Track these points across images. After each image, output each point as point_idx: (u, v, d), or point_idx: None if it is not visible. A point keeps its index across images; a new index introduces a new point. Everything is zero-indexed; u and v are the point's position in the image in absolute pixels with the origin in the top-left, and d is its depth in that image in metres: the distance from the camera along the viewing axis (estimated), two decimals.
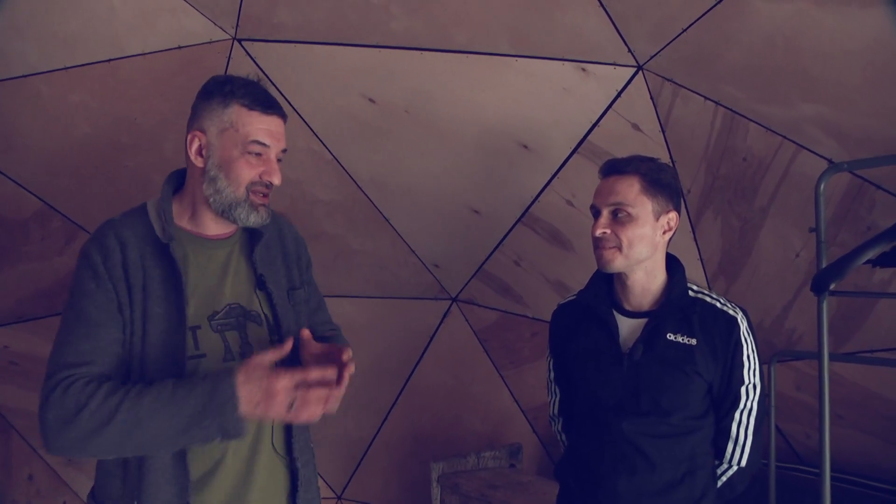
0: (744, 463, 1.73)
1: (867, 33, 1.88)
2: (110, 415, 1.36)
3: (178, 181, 1.64)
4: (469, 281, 3.19)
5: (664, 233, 1.74)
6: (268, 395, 1.39)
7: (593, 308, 1.80)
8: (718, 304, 1.74)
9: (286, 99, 2.71)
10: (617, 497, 1.70)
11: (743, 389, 1.70)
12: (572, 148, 2.55)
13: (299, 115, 2.73)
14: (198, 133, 1.56)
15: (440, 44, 2.39)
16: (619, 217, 1.70)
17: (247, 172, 1.53)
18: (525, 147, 2.60)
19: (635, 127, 2.43)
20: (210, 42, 2.61)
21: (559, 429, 2.02)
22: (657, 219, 1.71)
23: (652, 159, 1.78)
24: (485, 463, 3.05)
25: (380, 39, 2.42)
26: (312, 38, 2.50)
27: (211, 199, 1.55)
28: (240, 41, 2.59)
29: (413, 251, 3.08)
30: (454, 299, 3.31)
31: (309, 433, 1.70)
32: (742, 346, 1.70)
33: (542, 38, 2.30)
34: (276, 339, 1.60)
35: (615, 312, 1.77)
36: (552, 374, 1.98)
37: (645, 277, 1.75)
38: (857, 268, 1.91)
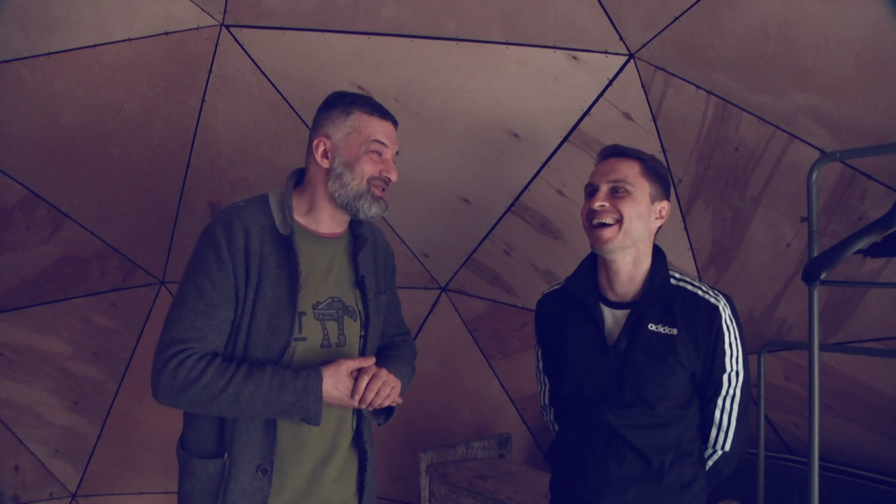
0: (728, 448, 1.75)
1: (860, 23, 1.87)
2: (215, 395, 1.60)
3: (298, 179, 1.85)
4: (458, 270, 3.17)
5: (656, 219, 1.77)
6: (346, 397, 1.68)
7: (580, 299, 1.80)
8: (700, 293, 1.74)
9: (274, 85, 2.68)
10: (608, 482, 1.73)
11: (725, 377, 1.71)
12: (563, 137, 2.53)
13: (288, 103, 2.70)
14: (322, 139, 1.78)
15: (430, 31, 2.37)
16: (619, 193, 1.72)
17: (369, 167, 1.75)
18: (515, 136, 2.58)
19: (626, 116, 2.42)
20: (197, 28, 2.58)
21: (551, 419, 2.02)
22: (653, 203, 1.74)
23: (649, 154, 1.84)
24: (474, 453, 3.04)
25: (369, 27, 2.39)
26: (301, 24, 2.47)
27: (337, 194, 1.76)
28: (227, 27, 2.56)
29: (402, 240, 3.06)
30: (443, 289, 3.29)
31: (370, 423, 1.92)
32: (724, 334, 1.70)
33: (533, 25, 2.28)
34: (363, 333, 1.81)
35: (601, 304, 1.78)
36: (540, 364, 1.98)
37: (632, 264, 1.76)
38: (847, 258, 1.91)
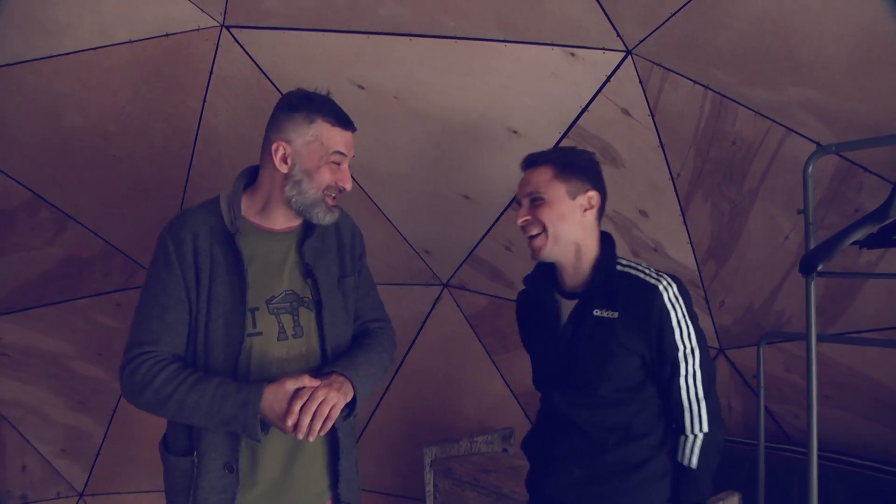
0: (706, 428, 1.74)
1: (855, 17, 1.89)
2: (164, 399, 1.65)
3: (250, 178, 1.86)
4: (460, 267, 3.19)
5: (585, 211, 1.80)
6: (279, 420, 1.64)
7: (538, 293, 1.89)
8: (642, 275, 1.77)
9: (275, 85, 2.70)
10: (556, 461, 1.82)
11: (680, 355, 1.72)
12: (562, 133, 2.55)
13: None
14: (282, 143, 1.78)
15: (429, 30, 2.39)
16: (536, 203, 1.79)
17: (327, 177, 1.77)
18: (514, 132, 2.60)
19: (625, 112, 2.44)
20: (198, 29, 2.59)
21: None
22: (573, 199, 1.78)
23: (568, 148, 1.92)
24: (477, 447, 3.07)
25: (368, 26, 2.41)
26: (301, 24, 2.49)
27: (293, 200, 1.77)
28: (228, 28, 2.58)
29: (404, 237, 3.08)
30: (445, 285, 3.31)
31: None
32: (668, 312, 1.71)
33: (531, 23, 2.30)
34: (319, 322, 1.81)
35: (558, 295, 1.85)
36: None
37: (574, 258, 1.82)
38: (844, 250, 1.93)
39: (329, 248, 1.89)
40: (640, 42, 2.27)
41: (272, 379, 1.69)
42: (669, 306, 1.72)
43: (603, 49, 2.32)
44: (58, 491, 3.70)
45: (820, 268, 1.88)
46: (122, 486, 3.77)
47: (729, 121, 2.31)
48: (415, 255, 3.14)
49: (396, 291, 3.27)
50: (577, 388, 1.79)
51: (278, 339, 1.77)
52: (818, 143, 2.16)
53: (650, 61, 2.31)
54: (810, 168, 2.03)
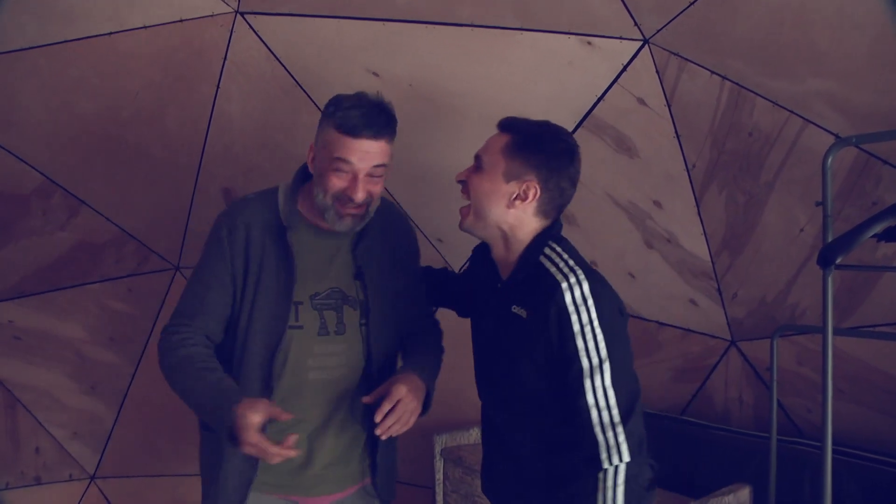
0: (626, 458, 1.44)
1: (876, 7, 1.87)
2: (169, 374, 1.75)
3: (307, 172, 1.86)
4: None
5: (514, 199, 1.59)
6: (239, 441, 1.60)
7: (483, 267, 1.77)
8: (553, 269, 1.53)
9: (289, 72, 2.69)
10: (490, 462, 1.77)
11: (585, 369, 1.45)
12: (577, 122, 2.54)
13: (303, 90, 2.72)
14: (312, 145, 1.82)
15: (445, 17, 2.38)
16: (477, 168, 1.65)
17: (334, 184, 1.73)
18: None
19: (641, 101, 2.42)
20: (212, 15, 2.59)
21: None
22: (507, 182, 1.59)
23: (550, 127, 1.66)
24: None
25: (384, 13, 2.41)
26: (316, 11, 2.48)
27: (315, 201, 1.79)
28: (242, 14, 2.57)
29: (416, 226, 3.07)
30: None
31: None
32: (569, 315, 1.46)
33: (548, 11, 2.29)
34: (363, 322, 1.84)
35: (499, 283, 1.70)
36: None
37: (502, 245, 1.65)
38: (862, 242, 1.92)
39: (384, 249, 1.90)
40: (658, 31, 2.26)
41: (309, 377, 1.78)
42: (572, 308, 1.46)
43: (620, 38, 2.31)
44: (70, 473, 3.73)
45: (839, 260, 1.86)
46: (132, 470, 3.80)
47: (746, 112, 2.29)
48: (427, 243, 3.14)
49: None
50: (492, 387, 1.70)
51: (318, 335, 1.79)
52: (836, 135, 2.15)
53: (667, 51, 2.29)
54: (830, 160, 2.01)
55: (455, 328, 3.37)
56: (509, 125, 1.65)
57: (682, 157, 2.49)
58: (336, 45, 2.56)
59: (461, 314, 2.02)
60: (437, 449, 2.98)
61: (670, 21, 2.20)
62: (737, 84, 2.24)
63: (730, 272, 2.68)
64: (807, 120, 2.19)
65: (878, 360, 2.52)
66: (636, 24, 2.26)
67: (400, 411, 1.66)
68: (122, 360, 3.64)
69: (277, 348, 1.76)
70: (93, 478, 3.76)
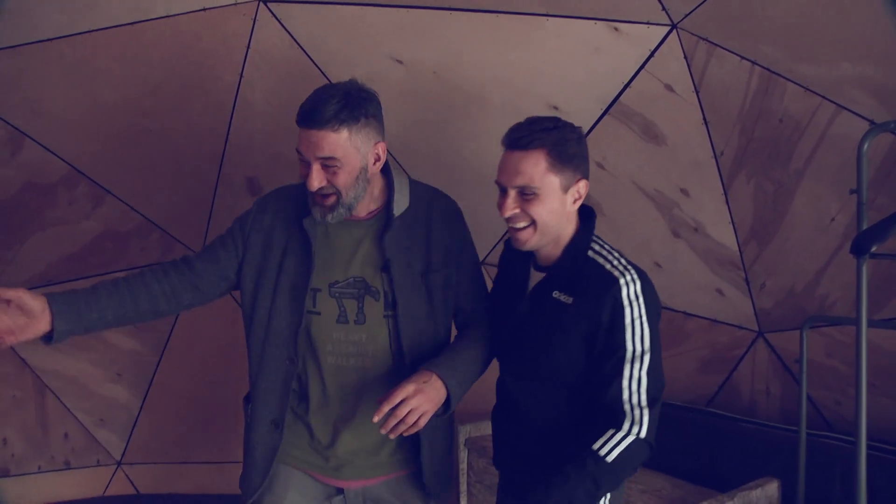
0: (643, 434, 1.60)
1: None
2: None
3: None
4: (495, 246, 3.17)
5: (574, 202, 1.70)
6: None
7: (515, 256, 1.84)
8: (608, 266, 1.66)
9: (312, 60, 2.70)
10: (503, 437, 1.83)
11: (627, 356, 1.61)
12: (603, 109, 2.53)
13: (326, 77, 2.72)
14: None
15: (469, 4, 2.37)
16: (527, 196, 1.66)
17: (301, 173, 1.77)
18: (555, 108, 2.57)
19: (668, 88, 2.40)
20: (235, 3, 2.60)
21: None
22: (565, 192, 1.67)
23: (555, 126, 1.70)
24: None
25: (409, 0, 2.40)
26: None
27: None
28: (265, 2, 2.58)
29: (459, 208, 3.08)
30: (481, 263, 3.28)
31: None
32: (624, 309, 1.61)
33: None
34: (390, 314, 1.82)
35: (532, 266, 1.79)
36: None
37: (552, 245, 1.73)
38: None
39: (416, 239, 1.86)
40: (686, 16, 2.23)
41: (328, 361, 1.82)
42: (626, 303, 1.62)
43: (647, 23, 2.29)
44: (98, 458, 3.81)
45: (874, 249, 1.82)
46: (157, 457, 3.87)
47: (776, 97, 2.26)
48: None
49: None
50: (519, 366, 1.75)
51: (337, 322, 1.82)
52: (871, 121, 2.10)
53: (696, 35, 2.27)
54: (866, 146, 1.96)
55: None
56: (530, 142, 1.65)
57: (709, 145, 2.47)
58: (359, 33, 2.56)
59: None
60: (461, 439, 2.99)
61: (699, 5, 2.18)
62: (767, 69, 2.21)
63: (758, 262, 2.65)
64: (840, 105, 2.15)
65: None
66: (664, 8, 2.24)
67: (403, 411, 1.61)
68: (147, 348, 3.71)
69: (298, 329, 1.81)
70: (119, 464, 3.84)
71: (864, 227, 1.98)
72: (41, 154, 3.02)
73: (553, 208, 1.66)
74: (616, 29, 2.32)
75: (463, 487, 2.99)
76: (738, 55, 2.23)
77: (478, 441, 2.95)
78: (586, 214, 1.77)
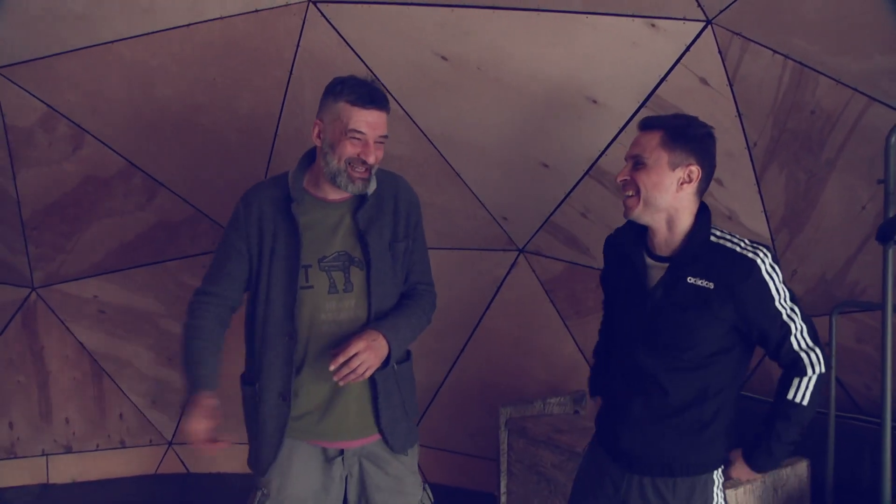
0: (822, 369, 1.83)
1: None
2: (184, 338, 2.12)
3: (312, 156, 2.14)
4: (536, 233, 3.27)
5: (682, 184, 1.83)
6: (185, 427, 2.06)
7: (627, 249, 1.96)
8: (738, 249, 1.82)
9: (360, 57, 2.79)
10: (630, 417, 1.90)
11: (785, 318, 1.81)
12: (640, 102, 2.60)
13: (373, 73, 2.81)
14: (318, 121, 2.07)
15: (513, 2, 2.47)
16: (638, 166, 1.84)
17: (349, 149, 2.00)
18: (594, 101, 2.66)
19: (703, 81, 2.48)
20: (286, 4, 2.71)
21: (593, 348, 2.26)
22: (673, 169, 1.81)
23: (687, 117, 1.91)
24: (550, 409, 3.17)
25: None
26: None
27: (324, 170, 2.05)
28: (315, 3, 2.68)
29: (482, 204, 3.16)
30: (521, 250, 3.39)
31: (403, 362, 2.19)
32: (766, 283, 1.79)
33: None
34: (367, 280, 2.07)
35: (645, 255, 1.91)
36: (604, 295, 2.17)
37: (666, 227, 1.87)
38: None
39: (384, 215, 2.12)
40: (721, 12, 2.31)
41: (322, 330, 2.05)
42: (767, 277, 1.79)
43: (683, 19, 2.36)
44: (150, 438, 3.96)
45: None
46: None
47: (809, 90, 2.33)
48: (492, 221, 3.23)
49: (473, 256, 3.37)
50: (662, 350, 1.86)
51: (328, 293, 2.06)
52: None
53: (730, 31, 2.34)
54: (893, 138, 2.04)
55: (518, 307, 3.46)
56: (653, 123, 1.87)
57: (743, 136, 2.54)
58: (406, 31, 2.66)
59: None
60: (503, 420, 3.07)
61: (733, 2, 2.25)
62: (799, 63, 2.28)
63: (789, 249, 2.72)
64: (872, 98, 2.22)
65: None
66: (699, 5, 2.31)
67: (354, 364, 1.93)
68: None
69: (294, 305, 2.03)
70: (170, 443, 3.97)
71: (891, 215, 2.05)
72: (100, 149, 3.16)
73: (658, 181, 1.82)
74: (653, 25, 2.40)
75: (503, 467, 3.08)
76: (770, 49, 2.30)
77: (518, 422, 3.04)
78: (702, 209, 1.91)
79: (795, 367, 1.84)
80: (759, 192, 2.65)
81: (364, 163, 2.00)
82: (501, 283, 3.42)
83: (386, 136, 2.04)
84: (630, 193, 1.85)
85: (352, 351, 1.94)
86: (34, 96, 2.96)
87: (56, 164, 3.20)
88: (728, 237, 1.86)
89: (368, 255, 2.06)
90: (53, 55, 2.82)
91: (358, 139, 1.99)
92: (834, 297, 2.69)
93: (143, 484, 3.90)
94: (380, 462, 2.13)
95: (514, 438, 3.04)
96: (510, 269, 3.44)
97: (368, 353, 1.96)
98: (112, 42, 2.79)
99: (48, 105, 2.99)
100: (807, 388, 1.83)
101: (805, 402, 1.83)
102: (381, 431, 2.10)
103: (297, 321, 2.04)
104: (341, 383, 1.97)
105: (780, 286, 1.81)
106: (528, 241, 3.34)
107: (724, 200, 2.72)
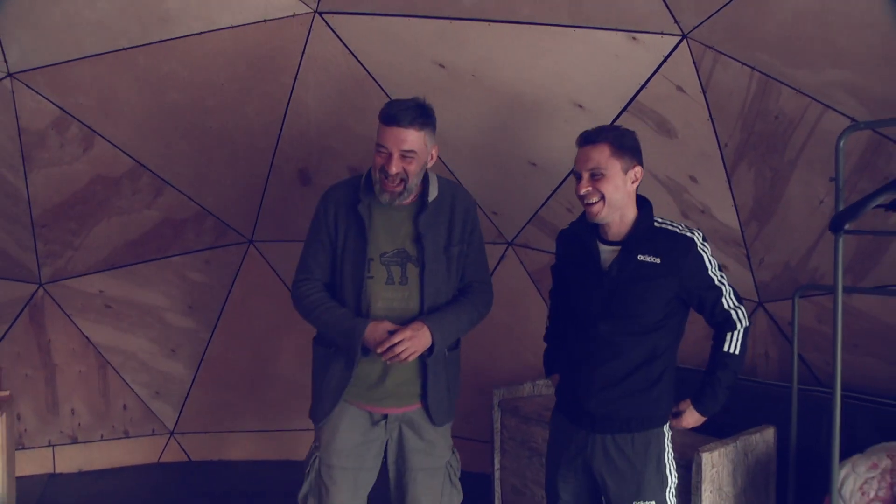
0: (746, 323, 2.16)
1: (888, 8, 2.13)
2: (308, 312, 2.36)
3: None
4: (524, 227, 3.46)
5: (633, 183, 2.13)
6: (376, 346, 2.22)
7: (581, 239, 2.23)
8: (678, 230, 2.15)
9: (362, 64, 2.97)
10: (593, 383, 2.17)
11: (717, 283, 2.14)
12: (622, 107, 2.79)
13: (374, 79, 3.00)
14: None
15: (506, 16, 2.66)
16: (596, 177, 2.10)
17: (377, 162, 2.24)
18: (580, 106, 2.85)
19: (679, 89, 2.67)
20: (293, 15, 2.87)
21: (544, 335, 2.53)
22: (625, 173, 2.10)
23: (616, 128, 2.21)
24: (539, 390, 3.38)
25: (451, 12, 2.69)
26: (389, 10, 2.77)
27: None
28: (321, 14, 2.85)
29: (474, 200, 3.35)
30: (510, 243, 3.58)
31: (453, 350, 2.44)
32: (702, 256, 2.12)
33: (598, 10, 2.56)
34: (421, 277, 2.30)
35: (598, 242, 2.19)
36: (552, 285, 2.47)
37: (619, 219, 2.16)
38: (873, 213, 2.17)
39: (441, 221, 2.34)
40: (695, 27, 2.51)
41: (378, 314, 2.28)
42: (701, 251, 2.12)
43: (661, 33, 2.57)
44: (153, 428, 4.09)
45: (847, 227, 2.13)
46: (208, 427, 4.14)
47: (773, 98, 2.54)
48: (483, 215, 3.40)
49: None
50: (619, 319, 2.15)
51: (386, 283, 2.30)
52: (852, 119, 2.39)
53: (703, 45, 2.54)
54: (842, 142, 2.27)
55: (507, 297, 3.65)
56: (595, 138, 2.13)
57: (715, 138, 2.75)
58: (407, 41, 2.83)
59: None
60: (496, 401, 3.28)
61: (706, 19, 2.46)
62: (764, 74, 2.49)
63: (758, 240, 2.93)
64: (826, 105, 2.44)
65: (891, 317, 2.76)
66: (676, 21, 2.52)
67: (398, 349, 2.19)
68: (200, 325, 3.97)
69: (361, 290, 2.29)
70: (172, 433, 4.11)
71: (841, 208, 2.28)
72: (109, 150, 3.28)
73: (617, 185, 2.10)
74: (634, 38, 2.60)
75: (497, 445, 3.28)
76: (739, 62, 2.51)
77: (510, 402, 3.24)
78: (642, 201, 2.20)
79: (727, 324, 2.16)
80: (730, 188, 2.84)
81: (387, 174, 2.20)
82: (492, 274, 3.58)
83: (413, 151, 2.21)
84: (594, 200, 2.12)
85: (397, 338, 2.20)
86: (49, 100, 3.05)
87: (67, 164, 3.29)
88: (668, 223, 2.18)
89: (423, 256, 2.29)
90: (69, 61, 2.92)
91: (382, 152, 2.22)
92: (797, 283, 2.89)
93: (146, 472, 4.01)
94: (418, 429, 2.35)
95: (506, 417, 3.23)
96: (500, 261, 3.64)
97: (413, 341, 2.21)
98: (127, 49, 2.90)
99: (61, 108, 3.09)
100: (737, 340, 2.16)
101: (737, 352, 2.16)
102: (425, 407, 2.33)
103: (363, 303, 2.28)
104: (388, 363, 2.24)
105: (711, 258, 2.14)
106: (516, 235, 3.54)
107: (698, 196, 2.93)
